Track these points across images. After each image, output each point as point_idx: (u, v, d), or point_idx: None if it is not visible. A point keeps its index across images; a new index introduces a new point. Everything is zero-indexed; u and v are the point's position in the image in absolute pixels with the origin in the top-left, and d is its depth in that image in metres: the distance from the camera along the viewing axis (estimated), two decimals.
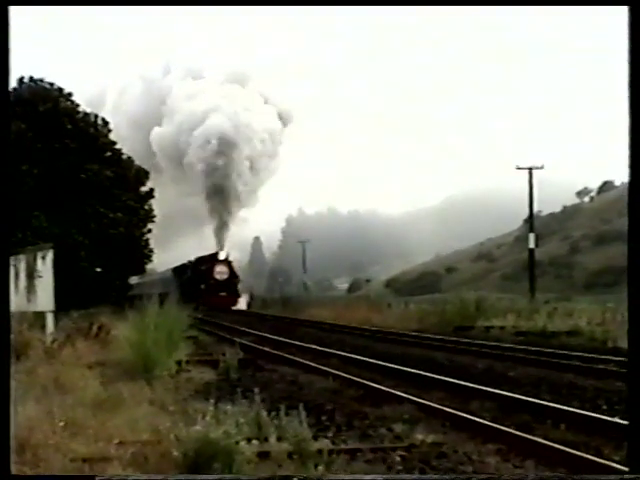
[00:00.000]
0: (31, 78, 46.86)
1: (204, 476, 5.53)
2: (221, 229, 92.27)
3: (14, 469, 6.69)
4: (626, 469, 8.16)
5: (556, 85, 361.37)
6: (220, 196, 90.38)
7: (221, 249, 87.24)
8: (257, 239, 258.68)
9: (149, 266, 74.95)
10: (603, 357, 23.51)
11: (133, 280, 74.26)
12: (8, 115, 5.58)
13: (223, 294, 78.95)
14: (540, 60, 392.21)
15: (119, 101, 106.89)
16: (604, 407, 14.49)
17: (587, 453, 10.23)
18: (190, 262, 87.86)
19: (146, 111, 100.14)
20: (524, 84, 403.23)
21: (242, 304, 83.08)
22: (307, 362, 23.57)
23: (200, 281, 79.63)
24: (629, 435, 5.87)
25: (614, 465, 9.61)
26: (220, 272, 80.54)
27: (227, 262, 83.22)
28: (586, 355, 24.37)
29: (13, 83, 46.69)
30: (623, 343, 28.00)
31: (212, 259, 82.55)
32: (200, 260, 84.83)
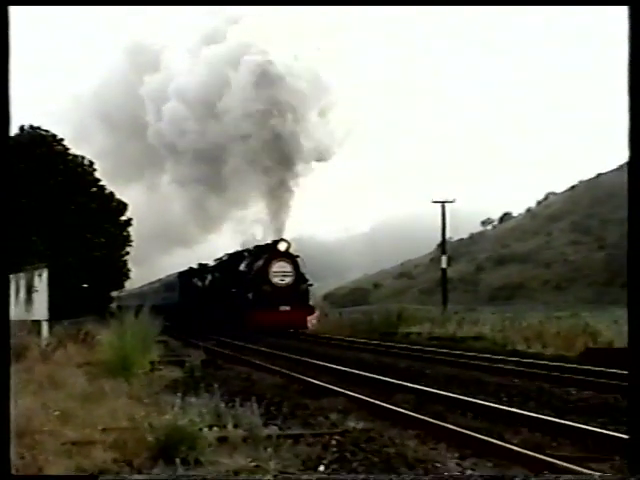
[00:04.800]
0: (31, 126, 47.45)
1: (203, 476, 5.28)
2: (279, 202, 46.07)
3: (15, 452, 6.63)
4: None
5: (467, 125, 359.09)
6: (279, 152, 46.16)
7: (280, 236, 43.15)
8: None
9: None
10: (503, 358, 23.66)
11: (123, 292, 62.89)
12: (8, 116, 5.05)
13: (285, 308, 40.11)
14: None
15: None
16: (505, 399, 14.58)
17: (491, 437, 10.27)
18: (217, 261, 50.42)
19: None
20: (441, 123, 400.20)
21: (312, 322, 42.81)
22: (259, 362, 23.55)
23: (243, 288, 41.69)
24: (629, 440, 5.41)
25: (513, 447, 9.66)
26: (281, 273, 41.01)
27: (291, 257, 41.93)
28: (489, 356, 24.51)
29: (15, 130, 46.86)
30: (519, 346, 28.32)
31: (265, 252, 42.27)
32: (239, 255, 46.48)
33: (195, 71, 55.78)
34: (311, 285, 42.65)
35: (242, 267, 43.64)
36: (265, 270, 40.36)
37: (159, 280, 61.81)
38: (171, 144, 58.55)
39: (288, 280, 40.62)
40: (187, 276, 52.60)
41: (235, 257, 46.41)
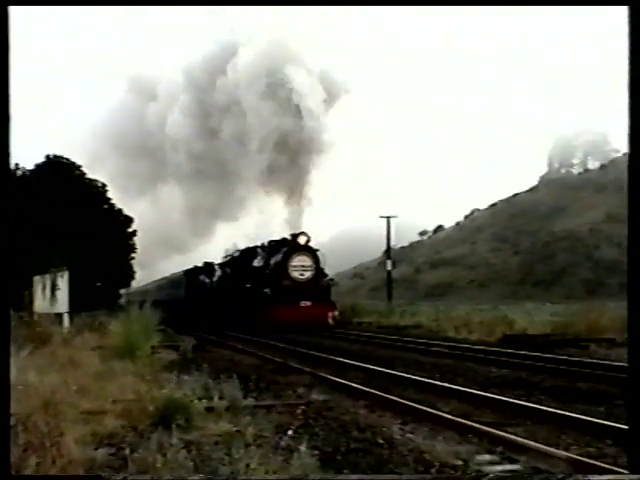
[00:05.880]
0: (54, 155, 47.48)
1: (205, 476, 5.12)
2: (297, 195, 37.85)
3: (42, 419, 6.62)
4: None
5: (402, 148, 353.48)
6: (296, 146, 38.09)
7: (297, 230, 35.05)
8: None
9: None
10: (437, 342, 23.79)
11: (131, 290, 56.65)
12: (8, 118, 4.42)
13: (306, 304, 32.21)
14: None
15: None
16: (437, 376, 14.67)
17: (427, 407, 10.35)
18: (228, 257, 42.27)
19: None
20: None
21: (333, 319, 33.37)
22: (239, 347, 23.57)
23: (260, 284, 33.39)
24: (629, 437, 4.74)
25: (445, 415, 9.74)
26: (300, 267, 33.15)
27: (311, 251, 33.86)
28: (425, 341, 24.63)
29: (42, 158, 46.91)
30: (450, 333, 28.48)
31: (284, 246, 34.28)
32: (252, 250, 37.70)
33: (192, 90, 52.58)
34: (332, 280, 34.54)
35: (256, 262, 35.14)
36: (284, 264, 32.20)
37: (165, 278, 54.64)
38: (177, 164, 57.73)
39: (308, 275, 32.46)
40: (193, 273, 45.01)
41: (247, 252, 37.65)
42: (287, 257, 32.40)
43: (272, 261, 33.52)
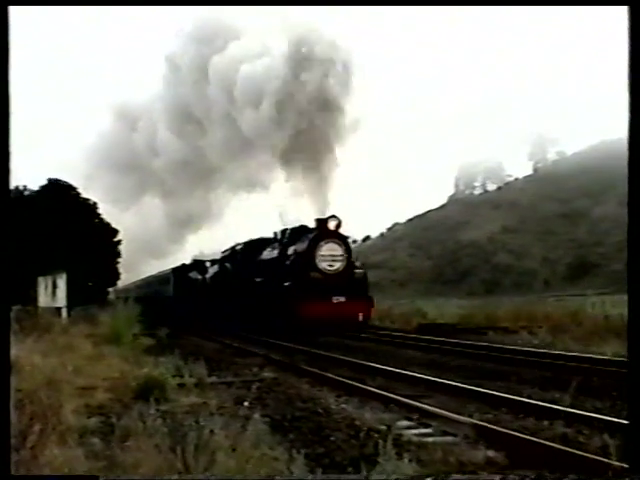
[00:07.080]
0: (55, 179, 46.84)
1: (207, 476, 4.92)
2: (318, 169, 23.11)
3: (45, 394, 6.59)
4: None
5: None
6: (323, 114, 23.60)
7: (324, 214, 21.14)
8: None
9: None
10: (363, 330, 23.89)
11: (118, 288, 52.22)
12: (7, 117, 3.90)
13: (339, 299, 19.26)
14: None
15: None
16: (373, 359, 14.75)
17: (357, 382, 10.46)
18: (228, 251, 29.39)
19: None
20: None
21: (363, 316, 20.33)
22: (206, 334, 23.50)
23: (277, 277, 21.09)
24: (629, 435, 4.18)
25: (371, 389, 9.85)
26: (330, 257, 20.02)
27: (342, 238, 20.53)
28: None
29: (44, 181, 46.23)
30: (375, 322, 28.51)
31: (306, 233, 21.52)
32: (260, 242, 25.46)
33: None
34: (366, 272, 22.92)
35: (267, 254, 24.60)
36: (311, 254, 20.83)
37: (152, 276, 47.45)
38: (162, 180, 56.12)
39: (338, 265, 20.88)
40: (182, 270, 36.53)
41: (255, 244, 26.38)
42: (314, 245, 21.20)
43: (292, 250, 22.69)
